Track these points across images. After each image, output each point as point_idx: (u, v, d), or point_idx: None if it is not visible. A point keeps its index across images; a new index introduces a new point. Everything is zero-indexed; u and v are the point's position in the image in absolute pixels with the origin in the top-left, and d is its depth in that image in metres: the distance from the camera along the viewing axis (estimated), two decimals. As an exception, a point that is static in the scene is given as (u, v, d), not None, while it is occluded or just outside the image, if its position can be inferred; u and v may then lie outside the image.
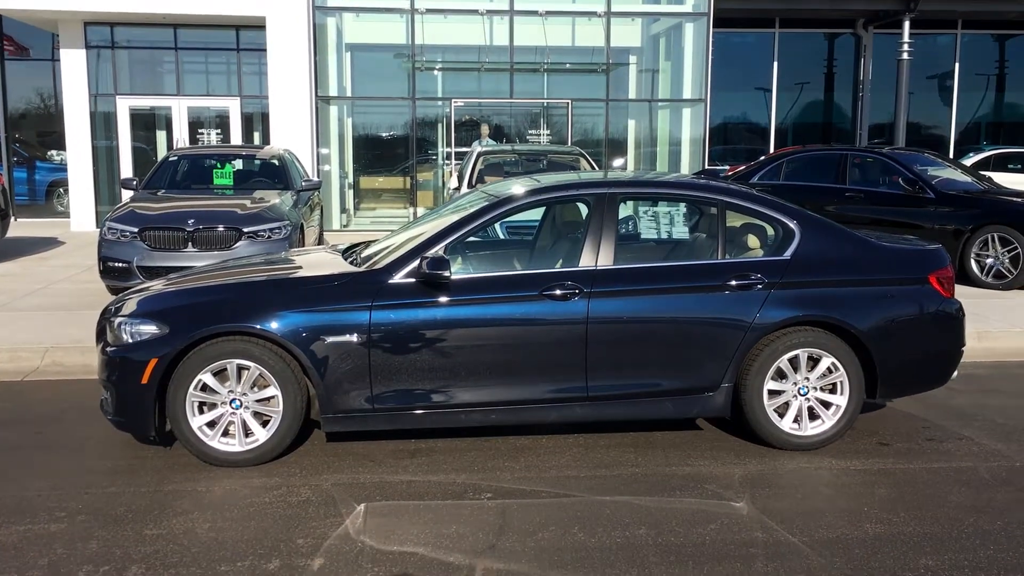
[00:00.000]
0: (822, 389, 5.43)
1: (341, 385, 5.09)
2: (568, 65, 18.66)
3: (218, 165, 11.50)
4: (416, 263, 5.16)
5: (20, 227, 15.67)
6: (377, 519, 4.47)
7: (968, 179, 12.17)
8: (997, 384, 6.96)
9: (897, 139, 20.27)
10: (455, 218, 5.49)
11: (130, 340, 5.10)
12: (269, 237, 9.67)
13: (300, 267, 5.71)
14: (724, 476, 5.07)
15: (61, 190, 18.74)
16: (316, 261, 5.86)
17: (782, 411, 5.43)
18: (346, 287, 5.16)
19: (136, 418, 5.09)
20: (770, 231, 5.60)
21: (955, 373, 5.72)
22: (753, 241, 5.64)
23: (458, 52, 18.25)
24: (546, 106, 18.71)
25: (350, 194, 18.62)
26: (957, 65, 22.13)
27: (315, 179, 11.91)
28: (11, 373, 7.27)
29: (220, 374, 5.09)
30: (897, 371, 5.46)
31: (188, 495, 4.77)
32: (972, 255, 10.83)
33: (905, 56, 19.69)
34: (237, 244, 9.52)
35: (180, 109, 17.45)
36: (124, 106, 17.24)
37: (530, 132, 18.07)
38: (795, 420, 5.42)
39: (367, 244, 6.38)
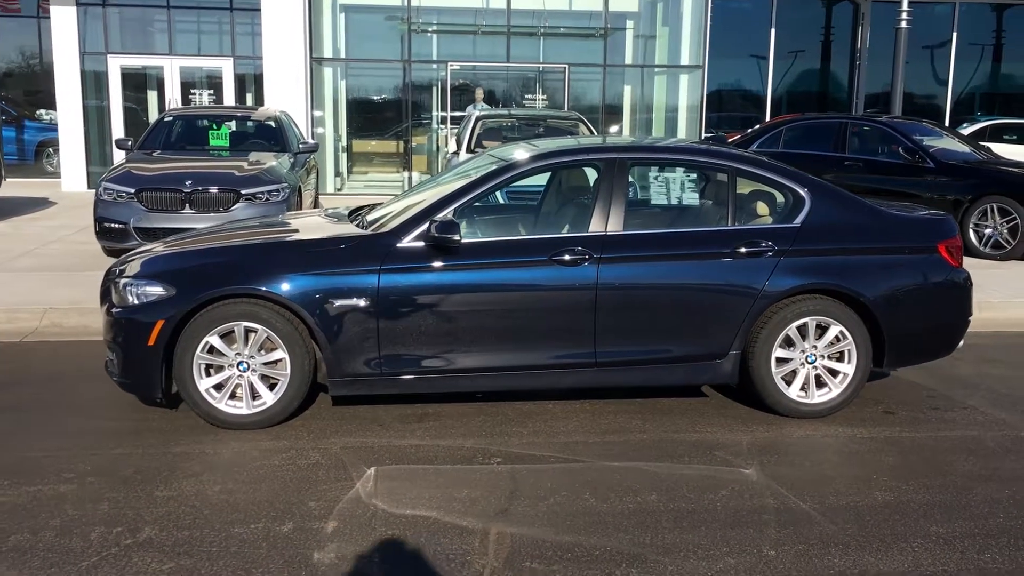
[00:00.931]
0: (829, 357, 5.43)
1: (349, 349, 5.06)
2: (565, 29, 18.49)
3: (214, 126, 11.37)
4: (425, 226, 5.11)
5: (9, 187, 15.49)
6: (388, 482, 4.46)
7: (967, 149, 12.14)
8: (997, 354, 6.99)
9: (894, 108, 20.16)
10: (463, 182, 5.44)
11: (136, 302, 5.05)
12: (267, 199, 9.59)
13: (305, 230, 5.65)
14: (732, 443, 5.08)
15: (51, 150, 18.51)
16: (319, 224, 5.81)
17: (789, 379, 5.43)
18: (354, 250, 5.11)
19: (142, 380, 5.06)
20: (780, 198, 5.57)
21: (961, 343, 5.73)
22: (762, 208, 5.60)
23: (454, 15, 18.05)
24: (542, 71, 18.57)
25: (343, 157, 18.48)
26: (955, 35, 22.03)
27: (312, 142, 11.80)
28: (10, 334, 7.21)
29: (227, 336, 5.05)
30: (904, 340, 5.47)
31: (197, 457, 4.75)
32: (971, 225, 10.84)
33: (904, 25, 19.53)
34: (235, 206, 9.44)
35: (172, 69, 17.23)
36: (115, 65, 17.00)
37: (526, 97, 17.93)
38: (802, 388, 5.43)
39: (371, 207, 6.32)
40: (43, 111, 18.78)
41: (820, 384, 5.46)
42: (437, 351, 5.14)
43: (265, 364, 5.09)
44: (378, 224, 5.39)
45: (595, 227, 5.26)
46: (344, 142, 18.32)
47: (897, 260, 5.44)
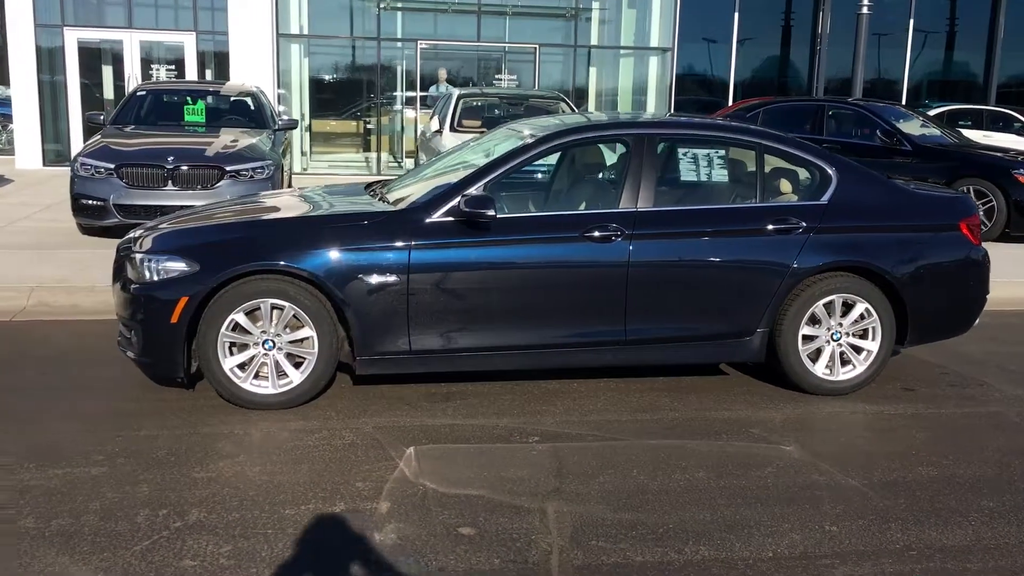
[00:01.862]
0: (854, 335, 5.45)
1: (378, 327, 4.94)
2: (533, 9, 18.34)
3: (189, 101, 11.04)
4: (456, 201, 5.00)
5: (-39, 164, 14.95)
6: (430, 462, 4.36)
7: (938, 133, 12.34)
8: (999, 333, 7.09)
9: (855, 93, 20.47)
10: (490, 157, 5.33)
11: (156, 278, 4.86)
12: (252, 176, 9.34)
13: (322, 206, 5.51)
14: (765, 420, 5.07)
15: (3, 126, 17.88)
16: (336, 200, 5.65)
17: (814, 356, 5.44)
18: (384, 225, 4.98)
19: (164, 359, 4.88)
20: (806, 175, 5.57)
21: (977, 320, 5.80)
22: (785, 186, 5.59)
23: (425, -8, 17.81)
24: (506, 51, 18.41)
25: (307, 137, 18.15)
26: (911, 22, 22.38)
27: (291, 118, 11.53)
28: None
29: (251, 314, 4.89)
30: (927, 317, 5.51)
31: (227, 438, 4.59)
32: (948, 208, 10.99)
33: (865, 11, 19.80)
34: (219, 183, 9.18)
35: (132, 43, 16.71)
36: (72, 38, 16.43)
37: (496, 77, 17.77)
38: (827, 366, 5.44)
39: (383, 184, 6.19)
40: (-6, 85, 18.12)
41: (844, 361, 5.48)
42: (467, 329, 5.04)
43: (291, 343, 4.94)
44: (404, 199, 5.26)
45: (626, 203, 5.20)
46: (308, 121, 17.99)
47: (921, 238, 5.47)
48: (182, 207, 8.95)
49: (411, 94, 17.71)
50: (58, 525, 3.64)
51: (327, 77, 18.23)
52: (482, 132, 11.12)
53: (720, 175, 5.48)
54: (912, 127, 12.00)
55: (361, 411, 5.03)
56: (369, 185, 6.13)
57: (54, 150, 16.60)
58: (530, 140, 5.29)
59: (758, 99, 18.06)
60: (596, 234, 5.08)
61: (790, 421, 5.07)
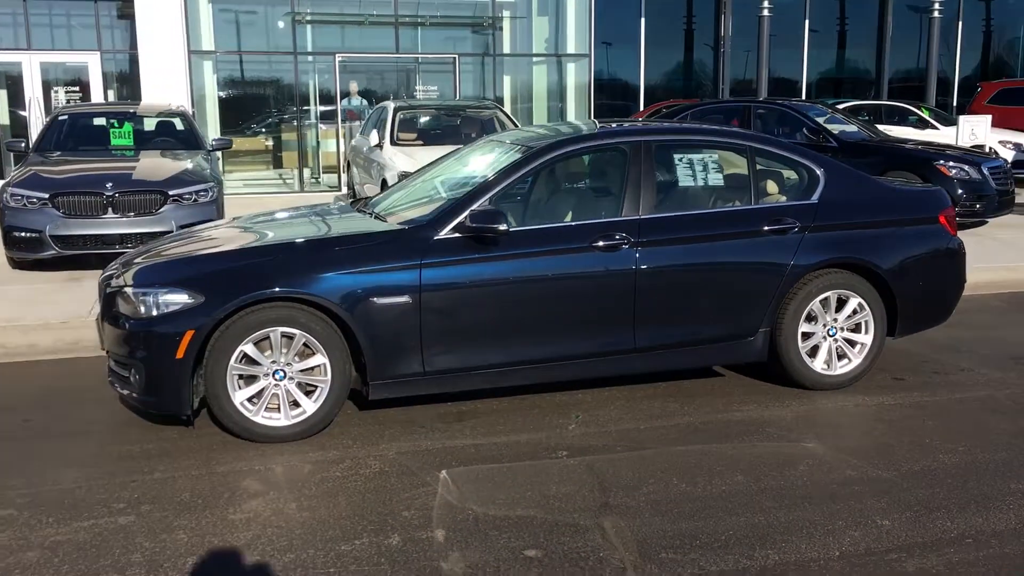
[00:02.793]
0: (848, 329, 5.58)
1: (391, 349, 4.81)
2: (450, 19, 18.28)
3: (115, 124, 10.59)
4: (463, 217, 4.91)
5: None
6: (468, 485, 4.27)
7: (856, 129, 12.78)
8: (957, 319, 7.33)
9: (760, 93, 21.07)
10: (490, 171, 5.27)
11: (156, 312, 4.62)
12: (195, 200, 9.01)
13: (316, 227, 5.34)
14: (777, 419, 5.14)
15: None
16: (325, 221, 5.49)
17: (811, 353, 5.55)
18: (391, 245, 4.86)
19: (170, 396, 4.64)
20: (795, 176, 5.68)
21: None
22: (775, 187, 5.70)
23: (340, 5, 17.53)
24: (420, 62, 18.30)
25: (221, 155, 17.61)
26: (807, 22, 23.19)
27: (225, 138, 11.17)
28: (-53, 358, 6.49)
29: (259, 344, 4.70)
30: (914, 308, 5.69)
31: (249, 475, 4.40)
32: (877, 200, 11.40)
33: (766, 12, 20.43)
34: (162, 208, 8.83)
35: (32, 65, 15.97)
36: (-34, 62, 15.62)
37: (416, 89, 17.64)
38: (825, 361, 5.55)
39: (365, 201, 6.05)
40: None
41: (840, 356, 5.60)
42: (481, 346, 4.96)
43: (302, 371, 4.77)
44: (406, 218, 5.14)
45: (628, 211, 5.21)
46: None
47: (906, 232, 5.64)
48: (125, 235, 8.67)
49: (329, 108, 17.40)
50: (104, 582, 3.42)
51: (241, 94, 17.76)
52: (420, 145, 11.05)
53: (715, 179, 5.54)
54: (833, 124, 12.40)
55: (378, 437, 4.89)
56: (354, 202, 5.98)
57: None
58: (528, 152, 5.25)
59: (674, 101, 18.40)
60: (603, 243, 5.07)
61: (801, 418, 5.15)
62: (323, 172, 17.66)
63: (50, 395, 5.62)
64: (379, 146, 10.87)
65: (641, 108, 21.13)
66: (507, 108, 18.55)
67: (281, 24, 16.84)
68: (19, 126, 16.15)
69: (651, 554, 3.62)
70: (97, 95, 16.28)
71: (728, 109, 12.94)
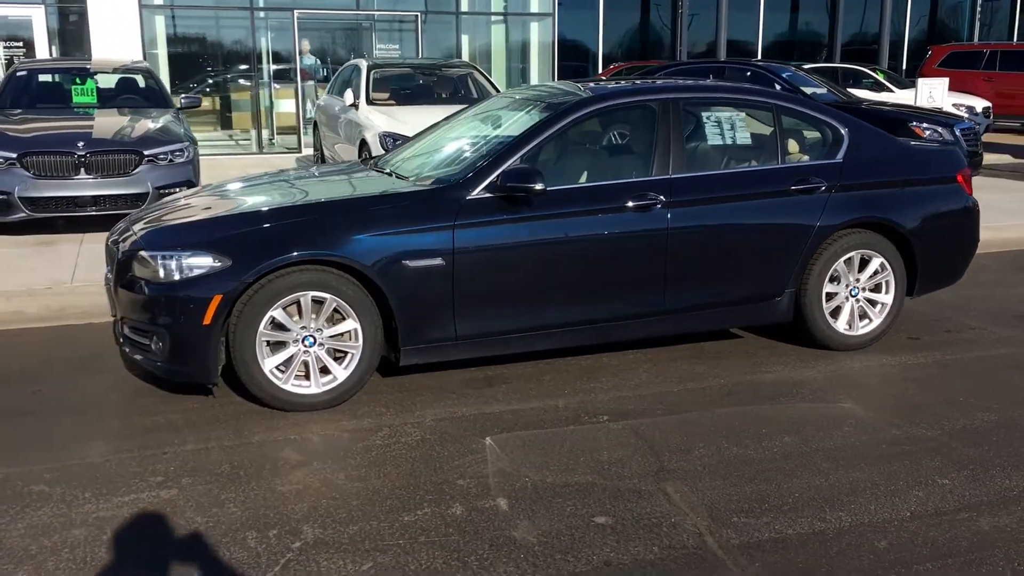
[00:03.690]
0: (870, 289, 5.57)
1: (424, 313, 4.65)
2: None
3: (77, 81, 10.11)
4: (494, 176, 4.75)
5: None
6: (517, 452, 4.16)
7: (826, 91, 12.83)
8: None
9: (719, 55, 21.11)
10: (514, 129, 5.10)
11: (179, 276, 4.39)
12: (171, 160, 8.67)
13: (347, 186, 5.14)
14: (808, 380, 5.12)
15: None
16: (352, 180, 5.29)
17: (834, 313, 5.53)
18: (423, 206, 4.69)
19: (196, 364, 4.42)
20: (819, 135, 5.61)
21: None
22: (800, 146, 5.64)
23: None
24: (378, 19, 17.86)
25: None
26: (763, -15, 23.21)
27: (194, 96, 10.74)
28: (-72, 326, 6.14)
29: (287, 308, 4.50)
30: (933, 267, 5.70)
31: (286, 444, 4.22)
32: (852, 162, 11.47)
33: (724, -26, 20.42)
34: (137, 169, 8.47)
35: (-29, 19, 15.19)
36: (-99, 15, 14.79)
37: (379, 47, 17.22)
38: (847, 321, 5.54)
39: (376, 159, 5.84)
40: None
41: (861, 316, 5.59)
42: (515, 309, 4.83)
43: (332, 337, 4.58)
44: (435, 177, 4.96)
45: (658, 171, 5.10)
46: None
47: (926, 191, 5.63)
48: (98, 197, 8.31)
49: (285, 66, 16.92)
50: (151, 553, 3.23)
51: (195, 51, 17.14)
52: (395, 104, 10.77)
53: (742, 138, 5.45)
54: (806, 86, 12.42)
55: (410, 404, 4.74)
56: (364, 160, 5.76)
57: None
58: (558, 110, 5.09)
59: (633, 62, 18.26)
60: (636, 203, 4.96)
61: (831, 379, 5.13)
62: (277, 134, 17.19)
63: (52, 364, 5.34)
64: (354, 106, 10.56)
65: (601, 70, 21.02)
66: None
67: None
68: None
69: (723, 518, 3.56)
70: (42, 51, 15.55)
71: (703, 70, 12.87)
